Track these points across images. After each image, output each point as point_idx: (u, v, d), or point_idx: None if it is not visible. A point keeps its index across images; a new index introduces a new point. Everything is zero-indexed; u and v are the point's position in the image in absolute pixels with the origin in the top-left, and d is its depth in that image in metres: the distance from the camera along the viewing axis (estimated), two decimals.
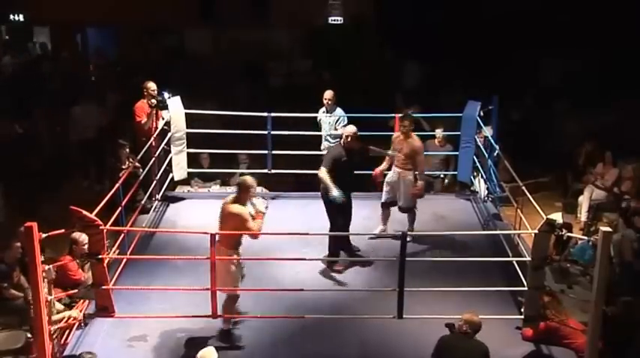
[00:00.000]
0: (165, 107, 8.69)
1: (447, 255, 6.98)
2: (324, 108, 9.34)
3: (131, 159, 8.44)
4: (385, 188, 8.05)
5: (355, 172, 7.53)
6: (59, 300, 6.25)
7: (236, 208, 6.05)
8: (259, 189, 9.25)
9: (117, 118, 12.16)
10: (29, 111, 12.80)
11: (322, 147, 9.41)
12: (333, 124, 9.30)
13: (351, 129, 7.36)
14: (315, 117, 9.48)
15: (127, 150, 8.61)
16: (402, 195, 7.91)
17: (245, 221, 6.02)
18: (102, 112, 12.52)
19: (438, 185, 10.27)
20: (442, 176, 10.35)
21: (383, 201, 8.09)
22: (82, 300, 6.54)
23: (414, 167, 7.76)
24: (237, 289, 6.20)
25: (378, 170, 7.94)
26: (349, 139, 7.28)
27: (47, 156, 11.93)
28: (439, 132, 10.07)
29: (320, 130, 9.46)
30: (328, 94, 9.24)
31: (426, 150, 8.96)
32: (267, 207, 6.23)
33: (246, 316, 6.52)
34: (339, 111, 9.31)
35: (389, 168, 8.03)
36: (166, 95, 8.65)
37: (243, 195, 6.12)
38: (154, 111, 8.63)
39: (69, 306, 6.55)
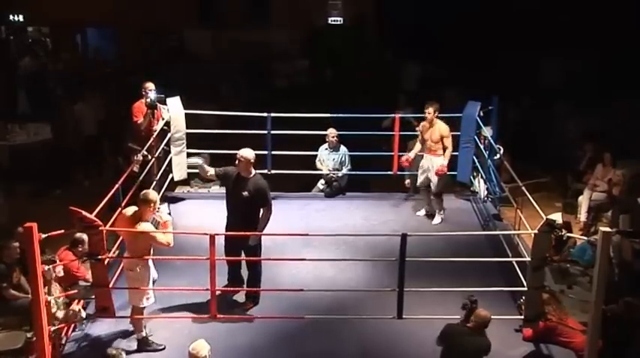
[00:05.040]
0: (155, 106, 8.64)
1: (447, 255, 6.97)
2: (326, 145, 9.36)
3: (139, 156, 8.30)
4: (420, 173, 8.62)
5: None
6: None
7: (143, 227, 5.83)
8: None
9: (116, 117, 12.18)
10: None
11: (321, 183, 9.47)
12: (338, 161, 9.35)
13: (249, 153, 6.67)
14: (315, 156, 9.47)
15: (140, 156, 8.39)
16: (432, 179, 8.41)
17: (154, 238, 5.87)
18: (101, 108, 12.58)
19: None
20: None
21: (418, 184, 8.73)
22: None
23: (443, 150, 8.32)
24: (146, 290, 6.06)
25: (406, 157, 8.60)
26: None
27: (53, 156, 11.95)
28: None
29: (319, 167, 9.46)
30: (333, 132, 9.28)
31: (409, 151, 9.03)
32: (170, 213, 6.28)
33: (247, 316, 6.53)
34: (343, 149, 9.37)
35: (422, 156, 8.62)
36: (153, 95, 8.57)
37: (145, 210, 5.87)
38: (151, 111, 8.61)
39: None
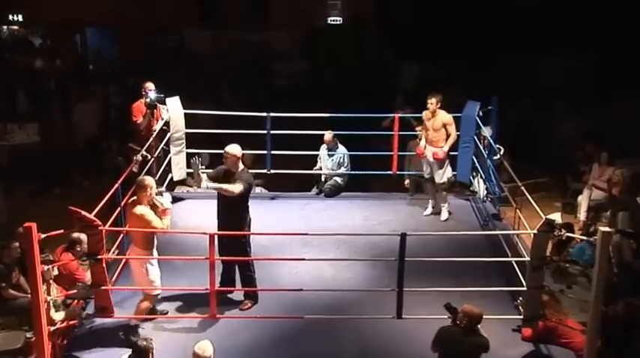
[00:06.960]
0: (155, 106, 8.65)
1: (446, 255, 6.97)
2: (325, 146, 9.36)
3: (140, 156, 8.29)
4: (424, 165, 8.63)
5: None
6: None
7: (138, 210, 6.04)
8: (258, 190, 9.27)
9: (116, 117, 12.21)
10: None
11: (321, 182, 9.47)
12: (336, 162, 9.34)
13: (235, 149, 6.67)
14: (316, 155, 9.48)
15: (140, 156, 8.37)
16: (434, 171, 8.45)
17: (149, 221, 6.03)
18: (100, 109, 12.61)
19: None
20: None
21: (426, 177, 8.70)
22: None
23: (446, 140, 8.34)
24: (157, 288, 6.24)
25: (421, 147, 8.54)
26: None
27: (53, 156, 11.95)
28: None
29: (319, 168, 9.46)
30: (328, 136, 9.24)
31: (409, 151, 9.02)
32: (171, 202, 6.37)
33: (246, 316, 6.53)
34: (341, 149, 9.37)
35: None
36: (153, 95, 8.57)
37: (141, 195, 6.08)
38: (151, 111, 8.61)
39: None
